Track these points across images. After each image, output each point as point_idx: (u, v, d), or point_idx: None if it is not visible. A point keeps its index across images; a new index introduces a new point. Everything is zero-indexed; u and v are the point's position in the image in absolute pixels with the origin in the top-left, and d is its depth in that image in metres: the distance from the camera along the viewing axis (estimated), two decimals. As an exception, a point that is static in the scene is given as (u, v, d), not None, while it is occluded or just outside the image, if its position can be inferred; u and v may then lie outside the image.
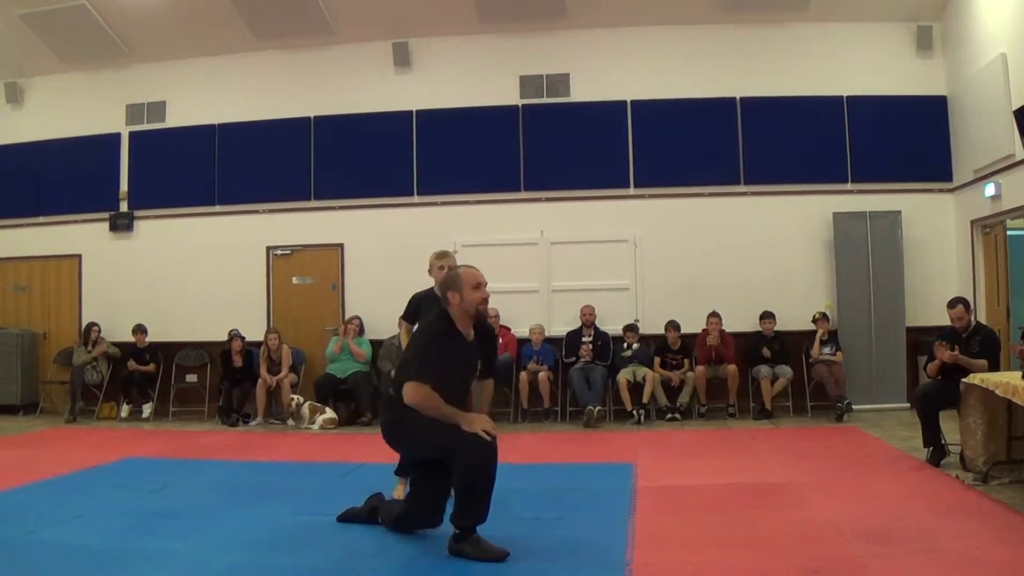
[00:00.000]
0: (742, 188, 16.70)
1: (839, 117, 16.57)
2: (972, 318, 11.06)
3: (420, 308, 8.96)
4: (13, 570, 6.65)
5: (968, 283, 15.48)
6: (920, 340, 15.34)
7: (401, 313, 9.34)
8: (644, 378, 15.43)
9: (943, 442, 10.37)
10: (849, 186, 16.51)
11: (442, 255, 9.02)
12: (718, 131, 16.72)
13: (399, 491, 8.82)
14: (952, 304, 10.99)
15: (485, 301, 7.20)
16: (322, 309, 17.43)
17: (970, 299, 14.90)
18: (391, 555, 6.99)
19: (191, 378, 17.62)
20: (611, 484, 9.81)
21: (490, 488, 6.79)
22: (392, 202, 17.19)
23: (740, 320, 16.03)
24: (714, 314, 15.67)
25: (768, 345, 15.67)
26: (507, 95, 17.30)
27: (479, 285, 7.11)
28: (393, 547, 7.24)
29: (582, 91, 17.18)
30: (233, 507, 8.65)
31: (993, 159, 14.64)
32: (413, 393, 6.83)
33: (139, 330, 17.34)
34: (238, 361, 16.44)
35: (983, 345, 10.56)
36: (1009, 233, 15.42)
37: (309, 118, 17.54)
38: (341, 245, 17.17)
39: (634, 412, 15.25)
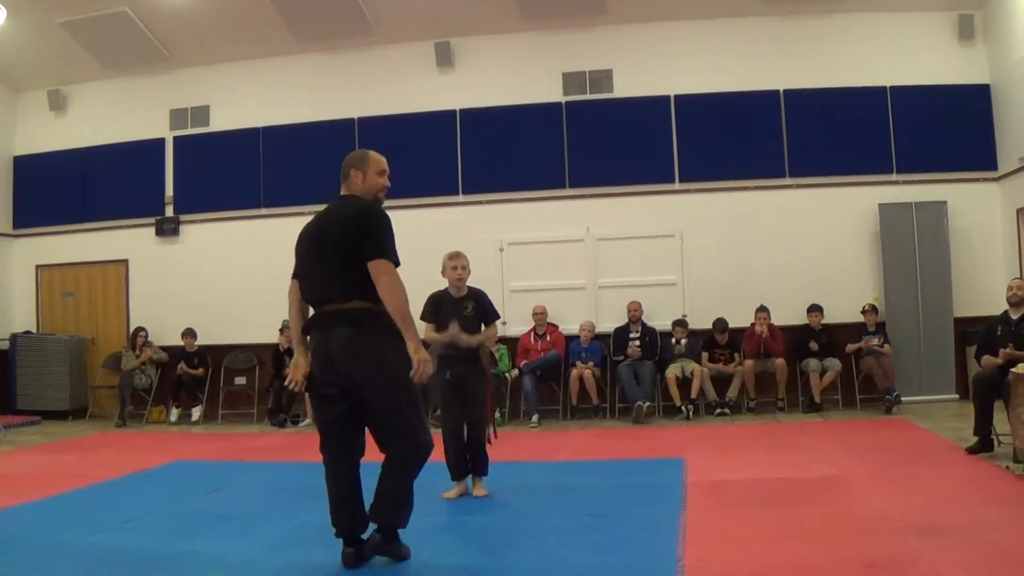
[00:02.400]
0: (787, 181, 16.63)
1: (882, 108, 16.49)
2: None
3: (440, 307, 9.13)
4: (69, 573, 6.69)
5: (1015, 272, 15.30)
6: (968, 331, 15.25)
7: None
8: (692, 373, 15.44)
9: (992, 435, 10.30)
10: (894, 177, 16.43)
11: (455, 256, 9.20)
12: (762, 124, 16.70)
13: (480, 489, 9.12)
14: (1017, 277, 11.00)
15: (385, 189, 6.89)
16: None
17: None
18: (443, 552, 6.99)
19: (240, 380, 17.76)
20: (662, 479, 9.77)
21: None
22: (437, 201, 17.23)
23: (788, 313, 15.98)
24: (762, 309, 15.64)
25: (816, 338, 15.62)
26: (550, 92, 17.33)
27: (384, 172, 6.89)
28: (444, 544, 7.28)
29: (625, 87, 17.16)
30: (284, 508, 8.67)
31: (1038, 147, 14.56)
32: (394, 275, 6.34)
33: (188, 334, 17.53)
34: (285, 345, 16.51)
35: (1035, 330, 10.49)
36: (1057, 221, 15.34)
37: (353, 119, 17.59)
38: (388, 245, 17.07)
39: (683, 408, 15.27)
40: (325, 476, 6.56)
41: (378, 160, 6.88)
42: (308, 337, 6.68)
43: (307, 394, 6.75)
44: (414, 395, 6.53)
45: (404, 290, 6.32)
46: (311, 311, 6.66)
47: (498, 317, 9.37)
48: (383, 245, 6.38)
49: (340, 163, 6.65)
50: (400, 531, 6.55)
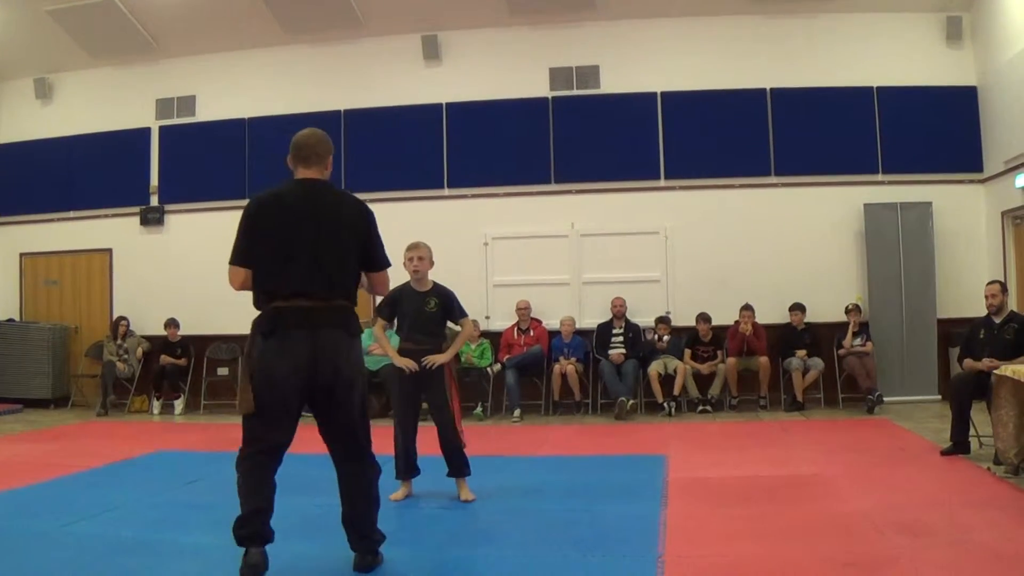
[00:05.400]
0: (773, 179, 16.67)
1: (869, 108, 16.53)
2: (1006, 301, 11.00)
3: (399, 303, 8.78)
4: (47, 562, 6.67)
5: (999, 274, 15.32)
6: (951, 332, 15.29)
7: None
8: (675, 370, 15.45)
9: (968, 438, 10.34)
10: (880, 177, 16.47)
11: (412, 246, 8.71)
12: (748, 122, 16.72)
13: (466, 492, 8.82)
14: (990, 282, 11.09)
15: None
16: (353, 302, 16.99)
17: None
18: (421, 543, 6.99)
19: (222, 371, 17.70)
20: (643, 476, 9.81)
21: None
22: (422, 195, 17.25)
23: (771, 312, 16.05)
24: (747, 307, 15.66)
25: (799, 337, 15.66)
26: (537, 87, 17.33)
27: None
28: (422, 540, 7.24)
29: (612, 83, 17.17)
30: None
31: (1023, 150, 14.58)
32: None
33: (171, 324, 17.48)
34: None
35: (1018, 333, 10.50)
36: (1041, 224, 15.36)
37: (339, 111, 17.57)
38: (372, 238, 17.03)
39: (665, 404, 15.29)
40: (246, 482, 5.98)
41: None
42: (267, 334, 5.97)
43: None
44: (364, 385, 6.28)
45: None
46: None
47: (465, 315, 8.97)
48: (384, 252, 6.40)
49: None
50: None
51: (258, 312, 6.06)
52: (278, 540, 6.03)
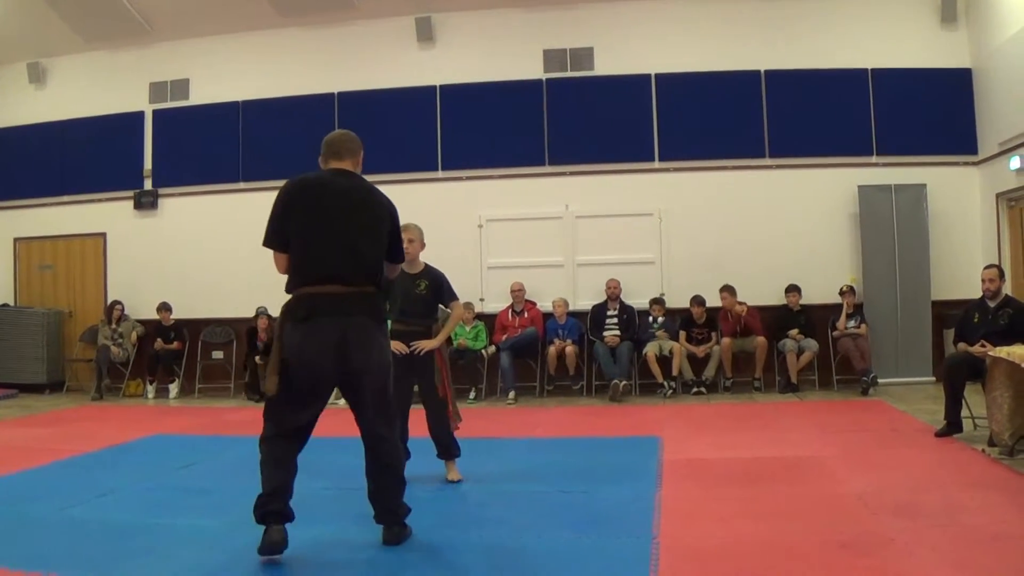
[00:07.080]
0: (767, 161, 16.65)
1: (864, 90, 16.50)
2: (1003, 286, 10.99)
3: (391, 285, 8.46)
4: (43, 546, 6.66)
5: (993, 257, 15.38)
6: (946, 313, 15.30)
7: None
8: (671, 351, 15.46)
9: (961, 418, 10.37)
10: (874, 159, 16.45)
11: (403, 228, 8.46)
12: (743, 104, 16.68)
13: (454, 473, 8.83)
14: (988, 266, 11.08)
15: None
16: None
17: (995, 273, 14.95)
18: (414, 525, 6.94)
19: (217, 355, 17.73)
20: (638, 457, 9.83)
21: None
22: (416, 177, 17.20)
23: (766, 293, 16.05)
24: (726, 287, 15.65)
25: (794, 319, 15.65)
26: (531, 69, 17.27)
27: None
28: (415, 522, 7.17)
29: (606, 64, 17.13)
30: (259, 483, 8.67)
31: (1018, 132, 14.55)
32: None
33: (164, 308, 17.49)
34: (264, 338, 16.34)
35: (1013, 318, 10.49)
36: (1035, 206, 15.36)
37: (333, 94, 17.55)
38: (366, 221, 16.98)
39: (664, 383, 15.34)
40: (270, 465, 6.29)
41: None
42: (298, 321, 6.12)
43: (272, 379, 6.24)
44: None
45: None
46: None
47: (456, 298, 8.88)
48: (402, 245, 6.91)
49: (320, 138, 6.45)
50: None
51: (288, 296, 6.25)
52: (293, 523, 6.09)
